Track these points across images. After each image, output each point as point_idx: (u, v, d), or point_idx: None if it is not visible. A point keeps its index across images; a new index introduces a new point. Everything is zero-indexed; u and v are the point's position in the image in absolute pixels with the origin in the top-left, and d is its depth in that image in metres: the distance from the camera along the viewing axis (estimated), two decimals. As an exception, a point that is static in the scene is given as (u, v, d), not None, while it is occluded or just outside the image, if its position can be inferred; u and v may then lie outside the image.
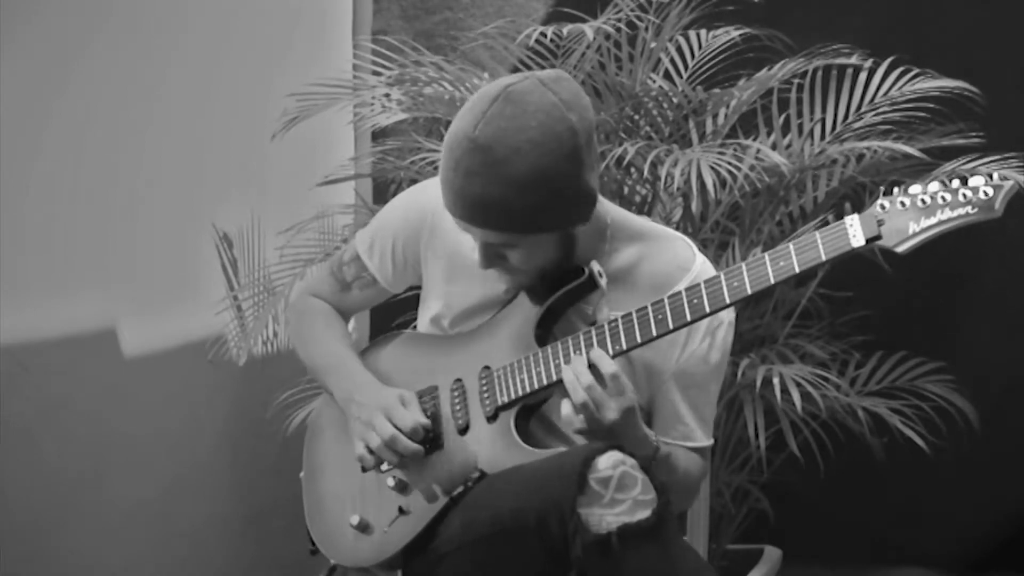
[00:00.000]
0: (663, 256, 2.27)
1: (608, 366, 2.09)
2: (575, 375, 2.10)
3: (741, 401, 3.09)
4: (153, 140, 3.38)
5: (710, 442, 2.32)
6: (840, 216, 3.18)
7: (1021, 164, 3.02)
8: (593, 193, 2.17)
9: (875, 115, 3.18)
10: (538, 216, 2.12)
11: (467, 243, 2.28)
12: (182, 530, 3.47)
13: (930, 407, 3.22)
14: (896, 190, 2.03)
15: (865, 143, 3.13)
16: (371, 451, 2.23)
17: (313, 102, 3.27)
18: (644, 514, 2.02)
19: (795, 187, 3.23)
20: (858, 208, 3.22)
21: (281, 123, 3.25)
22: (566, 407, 2.12)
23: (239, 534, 3.64)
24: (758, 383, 2.99)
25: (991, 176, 1.98)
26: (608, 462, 2.03)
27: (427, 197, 2.36)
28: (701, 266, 2.27)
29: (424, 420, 2.23)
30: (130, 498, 3.32)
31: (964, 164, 3.07)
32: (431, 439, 2.24)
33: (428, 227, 2.34)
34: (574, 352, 2.16)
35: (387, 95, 3.31)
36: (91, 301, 3.25)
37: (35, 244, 3.12)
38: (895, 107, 3.17)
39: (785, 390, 2.95)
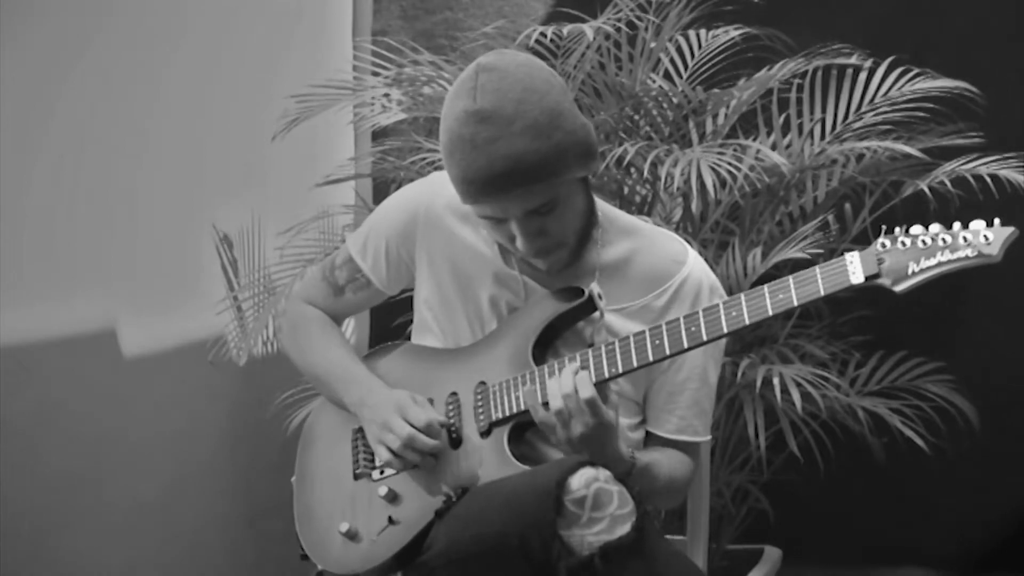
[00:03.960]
0: (657, 250, 2.30)
1: (586, 391, 2.10)
2: (559, 383, 2.12)
3: (741, 401, 3.09)
4: (153, 140, 3.38)
5: (707, 438, 2.33)
6: (840, 216, 3.23)
7: (1021, 164, 3.02)
8: (593, 132, 2.21)
9: (875, 115, 3.18)
10: (563, 156, 2.14)
11: (464, 234, 2.30)
12: (182, 530, 3.47)
13: (930, 407, 3.22)
14: (897, 230, 2.06)
15: (865, 143, 3.13)
16: (394, 453, 2.22)
17: (313, 102, 3.27)
18: (624, 529, 2.02)
19: (795, 187, 3.23)
20: (857, 208, 3.25)
21: (281, 123, 3.25)
22: (541, 411, 2.14)
23: (239, 534, 3.64)
24: (758, 383, 2.99)
25: (991, 222, 2.01)
26: (581, 481, 2.03)
27: (417, 194, 2.38)
28: (694, 260, 2.29)
29: (439, 416, 2.23)
30: (130, 498, 3.32)
31: (964, 164, 3.07)
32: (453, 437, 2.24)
33: (421, 222, 2.34)
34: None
35: (387, 95, 3.31)
36: (91, 301, 3.25)
37: (35, 244, 3.12)
38: (895, 107, 3.17)
39: (785, 390, 2.95)
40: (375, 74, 3.39)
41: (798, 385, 2.96)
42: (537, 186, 2.14)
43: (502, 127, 2.11)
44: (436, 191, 2.33)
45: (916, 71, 3.18)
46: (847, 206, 3.24)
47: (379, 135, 3.70)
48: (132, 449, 3.34)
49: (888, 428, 3.16)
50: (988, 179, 3.00)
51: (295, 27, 3.81)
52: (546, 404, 2.14)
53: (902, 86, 3.17)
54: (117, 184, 3.30)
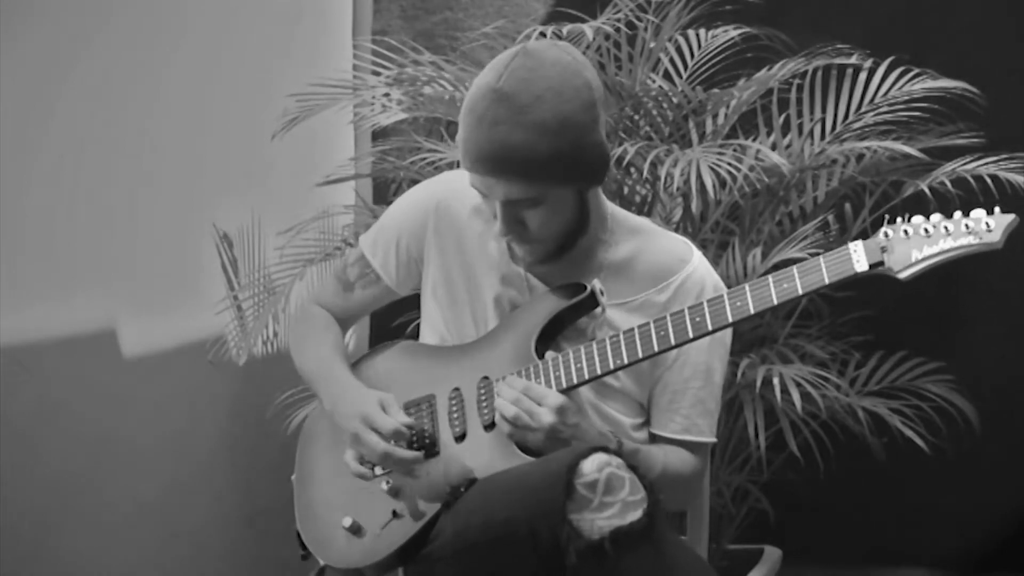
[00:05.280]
0: (662, 249, 2.31)
1: (516, 383, 2.16)
2: (502, 397, 2.16)
3: (741, 401, 3.09)
4: (153, 140, 3.38)
5: (712, 439, 2.32)
6: (840, 216, 3.23)
7: (1021, 164, 3.02)
8: (607, 154, 2.21)
9: (875, 115, 3.18)
10: (560, 165, 2.15)
11: (472, 233, 2.31)
12: (182, 530, 3.47)
13: (930, 407, 3.22)
14: (899, 220, 2.09)
15: (865, 143, 3.13)
16: (369, 464, 2.24)
17: (313, 102, 3.27)
18: (635, 515, 2.02)
19: (795, 187, 3.23)
20: (857, 208, 3.25)
21: (281, 123, 3.25)
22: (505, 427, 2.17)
23: (239, 534, 3.64)
24: (758, 383, 2.99)
25: (992, 210, 2.04)
26: (593, 465, 2.03)
27: (429, 193, 2.39)
28: (699, 260, 2.30)
29: (406, 420, 2.22)
30: (130, 498, 3.32)
31: (964, 164, 3.07)
32: (427, 444, 2.24)
33: (432, 221, 2.35)
34: (574, 364, 2.18)
35: (387, 95, 3.32)
36: (91, 301, 3.25)
37: (35, 244, 3.12)
38: (895, 107, 3.17)
39: (785, 390, 2.95)
40: (375, 74, 3.39)
41: (798, 385, 2.95)
42: (522, 181, 2.15)
43: (511, 113, 2.13)
44: (449, 188, 2.35)
45: (916, 71, 3.18)
46: (847, 206, 3.24)
47: (379, 135, 3.70)
48: (132, 449, 3.34)
49: (888, 428, 3.15)
50: (988, 180, 3.00)
51: (295, 27, 3.81)
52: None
53: (902, 86, 3.17)
54: (117, 184, 3.30)
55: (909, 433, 3.11)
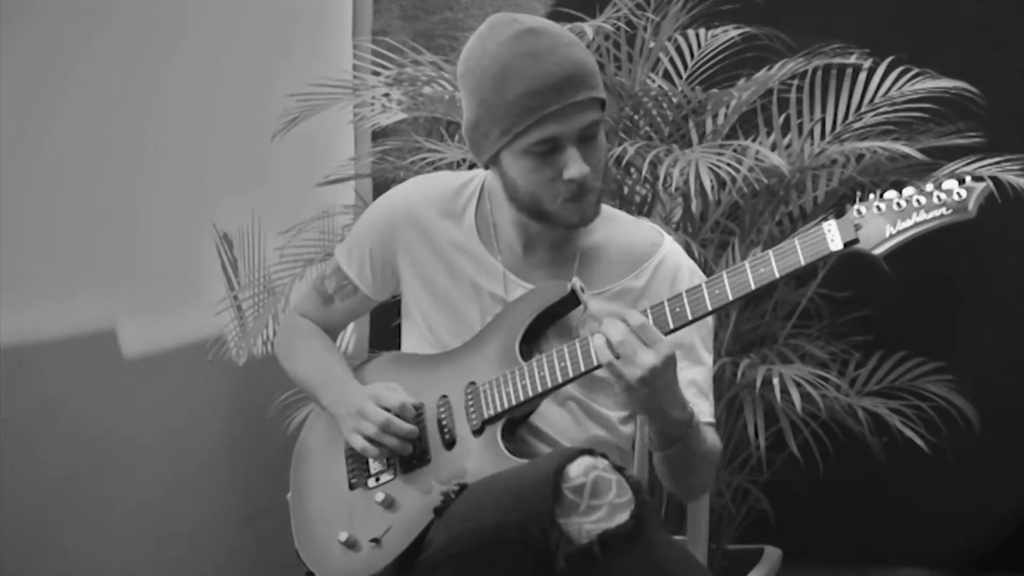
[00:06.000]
0: (633, 234, 2.33)
1: (635, 318, 2.07)
2: (609, 328, 2.07)
3: (741, 401, 3.09)
4: (153, 140, 3.38)
5: (712, 420, 2.31)
6: (840, 216, 3.23)
7: (1021, 165, 3.02)
8: None
9: (875, 115, 3.19)
10: (598, 73, 2.21)
11: (444, 235, 2.32)
12: (182, 530, 3.47)
13: (930, 407, 3.22)
14: (872, 196, 2.06)
15: (865, 143, 3.13)
16: (371, 440, 2.23)
17: (313, 102, 3.27)
18: (622, 518, 2.01)
19: (795, 187, 3.23)
20: (857, 209, 3.25)
21: (281, 123, 3.26)
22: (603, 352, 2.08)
23: (239, 534, 3.64)
24: (758, 383, 2.99)
25: (964, 179, 2.01)
26: (579, 469, 2.02)
27: (394, 198, 2.40)
28: (671, 243, 2.32)
29: (411, 400, 2.24)
30: (130, 498, 3.32)
31: (965, 165, 3.07)
32: (418, 453, 2.25)
33: (401, 224, 2.35)
34: (559, 364, 2.17)
35: (387, 95, 3.32)
36: (91, 301, 3.25)
37: (35, 244, 3.12)
38: (895, 107, 3.17)
39: (785, 390, 2.95)
40: (375, 74, 3.39)
41: (798, 385, 2.96)
42: (594, 95, 2.18)
43: (556, 39, 2.17)
44: (415, 192, 2.37)
45: (916, 71, 3.18)
46: (847, 206, 3.24)
47: (379, 135, 3.71)
48: (132, 449, 3.34)
49: (888, 428, 3.16)
50: (989, 181, 3.00)
51: (295, 27, 3.81)
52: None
53: (902, 86, 3.17)
54: (117, 184, 3.30)
55: (909, 433, 3.11)
